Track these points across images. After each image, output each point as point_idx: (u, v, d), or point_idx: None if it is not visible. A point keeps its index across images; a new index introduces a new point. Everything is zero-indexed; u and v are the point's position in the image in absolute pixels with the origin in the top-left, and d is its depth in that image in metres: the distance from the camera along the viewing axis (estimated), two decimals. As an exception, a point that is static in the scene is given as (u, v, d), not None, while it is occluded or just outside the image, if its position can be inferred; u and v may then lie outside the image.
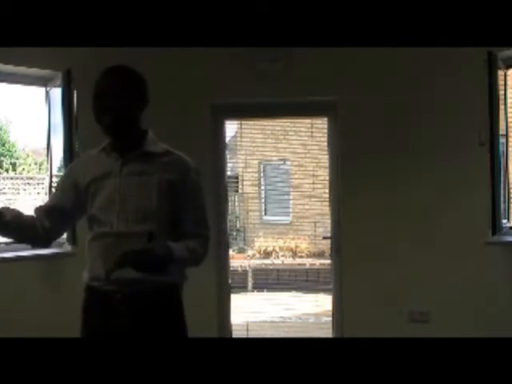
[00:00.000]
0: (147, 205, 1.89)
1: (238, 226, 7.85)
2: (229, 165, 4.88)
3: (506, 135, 3.96)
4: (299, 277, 8.39)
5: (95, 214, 1.94)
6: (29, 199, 10.53)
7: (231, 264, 4.61)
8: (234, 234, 7.62)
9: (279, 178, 8.18)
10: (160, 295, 1.91)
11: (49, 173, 4.04)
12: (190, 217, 1.96)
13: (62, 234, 2.12)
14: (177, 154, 2.00)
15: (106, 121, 1.89)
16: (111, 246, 1.87)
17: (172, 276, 1.89)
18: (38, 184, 10.81)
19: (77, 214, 2.05)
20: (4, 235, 2.02)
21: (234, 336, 4.25)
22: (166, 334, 1.90)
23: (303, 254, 8.96)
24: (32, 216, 2.01)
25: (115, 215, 1.89)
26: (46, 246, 2.11)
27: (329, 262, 4.40)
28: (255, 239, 8.15)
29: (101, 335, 1.90)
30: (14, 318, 3.38)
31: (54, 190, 2.09)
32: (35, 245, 2.11)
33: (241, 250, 8.11)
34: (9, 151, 14.85)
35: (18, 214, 1.94)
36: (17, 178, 11.96)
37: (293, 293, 7.67)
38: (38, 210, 2.02)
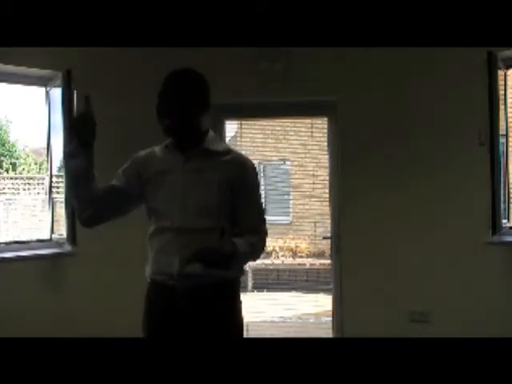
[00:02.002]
0: (207, 201, 1.95)
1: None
2: (229, 165, 4.87)
3: (506, 135, 3.96)
4: (299, 277, 8.39)
5: (156, 208, 1.99)
6: (29, 199, 10.54)
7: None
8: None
9: (279, 178, 8.17)
10: (220, 289, 1.96)
11: (49, 173, 4.04)
12: (249, 213, 2.03)
13: (110, 218, 2.07)
14: (236, 152, 2.08)
15: (165, 123, 1.95)
16: (172, 241, 1.94)
17: (231, 271, 1.93)
18: (38, 184, 10.82)
19: (133, 202, 2.07)
20: (80, 187, 1.97)
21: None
22: (224, 327, 1.95)
23: (303, 254, 8.96)
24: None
25: (176, 210, 1.95)
26: (93, 222, 2.04)
27: (329, 262, 4.40)
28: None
29: (162, 329, 1.96)
30: (14, 318, 3.38)
31: (118, 175, 2.06)
32: (85, 213, 2.00)
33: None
34: (9, 151, 14.86)
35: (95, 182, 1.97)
36: (17, 178, 11.97)
37: (293, 293, 7.66)
38: (102, 187, 2.01)
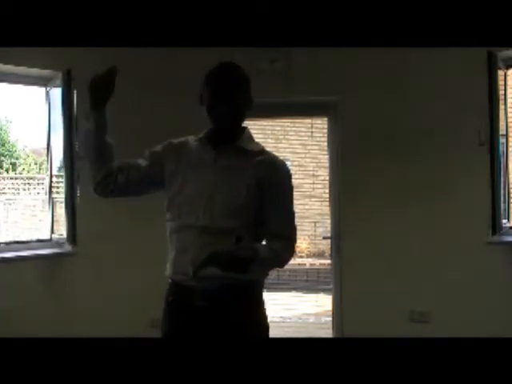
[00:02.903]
0: (235, 201, 1.88)
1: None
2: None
3: (506, 135, 3.96)
4: (299, 277, 8.40)
5: (180, 203, 1.93)
6: (29, 199, 10.54)
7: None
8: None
9: (279, 177, 8.16)
10: (241, 291, 1.90)
11: (49, 173, 4.05)
12: (276, 217, 1.95)
13: (122, 192, 2.01)
14: (270, 154, 2.02)
15: (222, 112, 1.91)
16: (195, 240, 1.87)
17: (254, 273, 1.87)
18: (38, 184, 10.82)
19: (150, 186, 2.02)
20: (90, 151, 1.95)
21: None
22: (242, 329, 1.90)
23: (303, 254, 8.97)
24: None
25: (202, 207, 1.89)
26: (102, 191, 1.98)
27: (329, 262, 4.40)
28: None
29: (180, 330, 1.92)
30: (14, 318, 3.39)
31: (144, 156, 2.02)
32: (95, 178, 1.96)
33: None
34: (9, 151, 14.86)
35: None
36: (17, 178, 11.97)
37: (293, 293, 7.68)
38: (124, 160, 1.98)
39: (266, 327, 1.98)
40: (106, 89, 1.86)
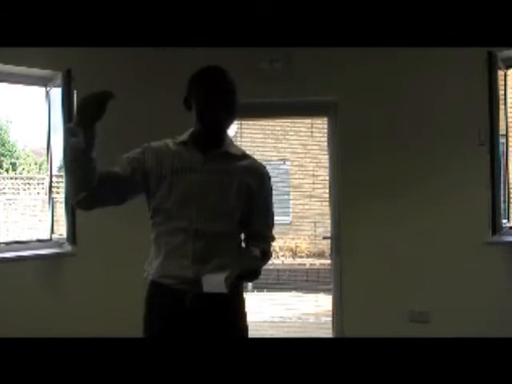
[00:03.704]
0: (225, 204, 1.93)
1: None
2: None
3: (506, 135, 3.96)
4: (299, 277, 8.39)
5: (168, 207, 1.92)
6: (29, 199, 10.54)
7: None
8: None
9: (279, 178, 8.18)
10: (233, 293, 1.94)
11: (49, 173, 4.04)
12: (262, 219, 2.06)
13: (107, 204, 1.94)
14: (252, 157, 2.07)
15: (218, 115, 1.91)
16: (186, 243, 1.89)
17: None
18: (38, 184, 10.82)
19: (132, 192, 1.97)
20: (77, 168, 1.84)
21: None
22: (233, 328, 1.97)
23: (303, 254, 8.96)
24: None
25: (194, 211, 1.90)
26: (86, 206, 1.92)
27: (329, 262, 4.40)
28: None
29: (169, 331, 1.93)
30: (14, 317, 3.39)
31: (123, 160, 1.95)
32: (79, 195, 1.86)
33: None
34: (9, 151, 14.86)
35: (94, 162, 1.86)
36: (17, 178, 11.97)
37: (293, 293, 7.67)
38: (103, 172, 1.89)
39: (247, 324, 2.05)
40: (97, 111, 1.77)
